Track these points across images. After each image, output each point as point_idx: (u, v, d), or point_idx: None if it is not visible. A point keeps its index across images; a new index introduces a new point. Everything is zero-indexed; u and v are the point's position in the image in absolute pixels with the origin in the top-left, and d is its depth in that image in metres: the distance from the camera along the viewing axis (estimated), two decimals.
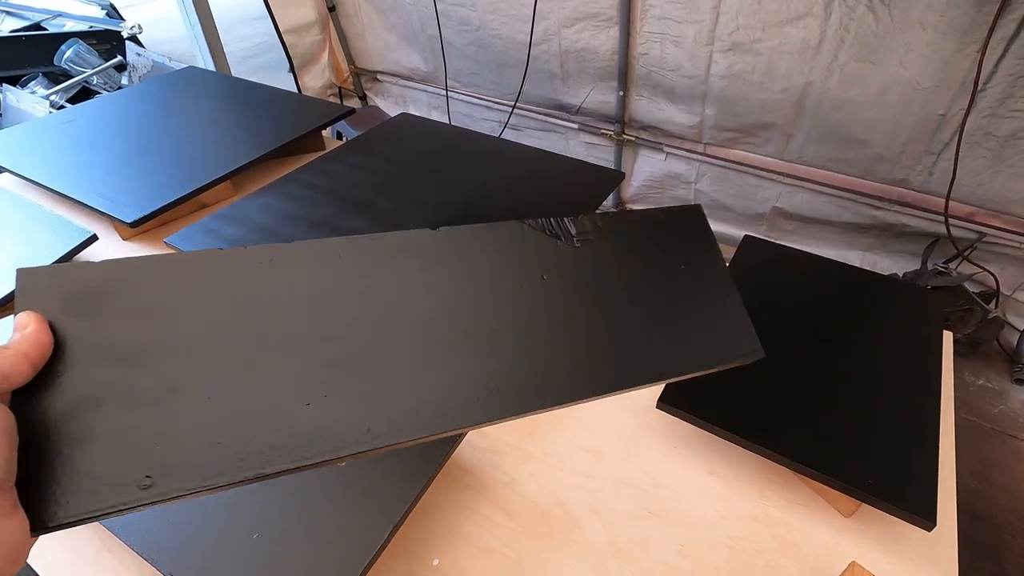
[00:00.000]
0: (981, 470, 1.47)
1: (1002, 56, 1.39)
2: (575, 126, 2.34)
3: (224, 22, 4.73)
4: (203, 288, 0.33)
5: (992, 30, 1.33)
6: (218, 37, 2.51)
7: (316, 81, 2.86)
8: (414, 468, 0.64)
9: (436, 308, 0.38)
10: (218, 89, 1.63)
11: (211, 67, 2.54)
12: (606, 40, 1.98)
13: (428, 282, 0.39)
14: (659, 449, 0.73)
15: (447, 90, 2.55)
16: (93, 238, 1.04)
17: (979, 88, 1.43)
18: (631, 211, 0.48)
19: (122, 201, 1.09)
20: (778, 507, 0.67)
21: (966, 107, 1.46)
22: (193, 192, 1.14)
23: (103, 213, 1.07)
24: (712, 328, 0.45)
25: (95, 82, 3.08)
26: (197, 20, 2.45)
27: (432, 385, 0.36)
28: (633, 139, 2.22)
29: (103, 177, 1.17)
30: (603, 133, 2.27)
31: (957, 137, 1.52)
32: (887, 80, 1.55)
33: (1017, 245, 1.67)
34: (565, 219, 0.45)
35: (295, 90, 2.75)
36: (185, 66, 1.97)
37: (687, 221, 0.50)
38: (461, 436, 0.67)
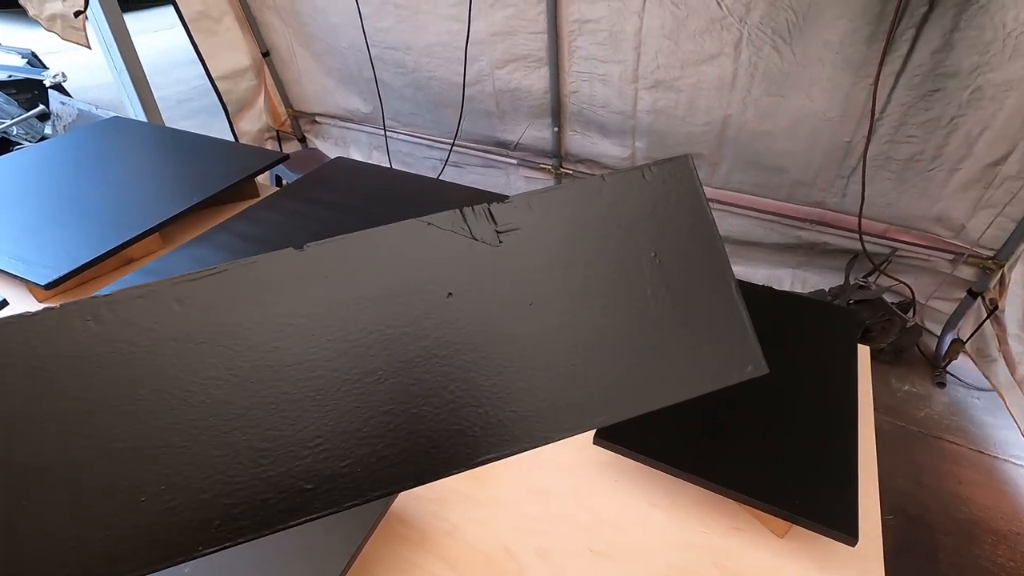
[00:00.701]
0: (913, 474, 1.54)
1: (893, 88, 1.52)
2: (514, 161, 2.39)
3: (160, 66, 4.61)
4: (18, 367, 0.28)
5: (881, 65, 1.45)
6: (147, 83, 2.46)
7: (252, 125, 2.83)
8: (350, 525, 0.62)
9: (297, 357, 0.31)
10: (145, 139, 1.59)
11: (141, 114, 2.48)
12: (538, 80, 2.05)
13: (291, 323, 0.31)
14: (602, 485, 0.74)
15: (385, 131, 2.57)
16: (3, 304, 0.98)
17: (876, 117, 1.56)
18: (580, 180, 0.36)
19: (38, 262, 1.04)
20: (718, 534, 0.68)
21: (867, 135, 1.58)
22: (117, 248, 1.10)
23: (16, 276, 1.01)
24: (700, 338, 0.35)
25: (15, 133, 2.94)
26: (124, 66, 2.39)
27: (297, 459, 0.30)
28: (571, 172, 2.29)
29: (18, 237, 1.11)
30: (542, 168, 2.33)
31: (862, 162, 1.64)
32: (796, 112, 1.67)
33: (926, 257, 1.80)
34: (482, 209, 0.34)
35: (230, 135, 2.71)
36: (112, 115, 1.92)
37: (664, 184, 0.36)
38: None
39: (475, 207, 0.34)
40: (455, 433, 0.32)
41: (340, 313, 0.32)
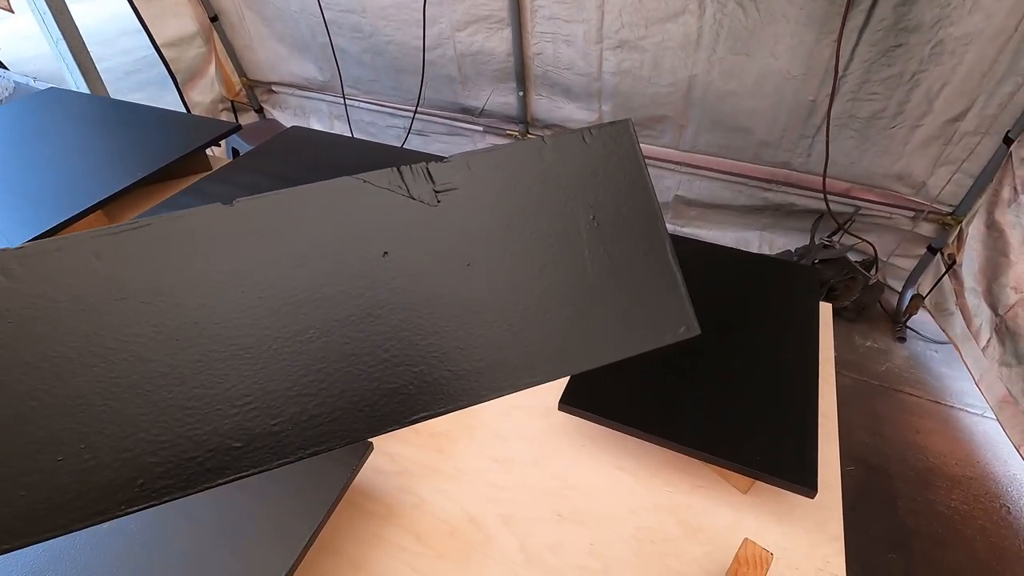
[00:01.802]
0: (873, 426, 1.60)
1: (856, 44, 1.51)
2: (480, 128, 2.34)
3: (104, 35, 4.36)
4: None
5: (844, 21, 1.44)
6: (88, 53, 2.31)
7: (205, 96, 2.70)
8: (310, 501, 0.60)
9: (225, 315, 0.30)
10: (85, 111, 1.50)
11: (83, 86, 2.33)
12: (500, 42, 1.99)
13: (219, 280, 0.30)
14: (567, 450, 0.74)
15: (344, 99, 2.48)
16: None
17: (840, 75, 1.55)
18: (521, 141, 0.37)
19: None
20: (682, 492, 0.69)
21: (830, 93, 1.58)
22: (56, 228, 1.04)
23: None
24: (635, 300, 0.35)
25: None
26: (60, 35, 2.24)
27: (225, 418, 0.29)
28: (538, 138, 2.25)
29: None
30: (508, 134, 2.28)
31: (826, 121, 1.64)
32: (761, 71, 1.65)
33: (888, 215, 1.83)
34: (420, 167, 0.34)
35: (182, 107, 2.58)
36: (48, 87, 1.80)
37: (605, 147, 0.37)
38: (358, 466, 0.64)
39: (413, 166, 0.34)
40: (389, 392, 0.32)
41: (271, 270, 0.31)
